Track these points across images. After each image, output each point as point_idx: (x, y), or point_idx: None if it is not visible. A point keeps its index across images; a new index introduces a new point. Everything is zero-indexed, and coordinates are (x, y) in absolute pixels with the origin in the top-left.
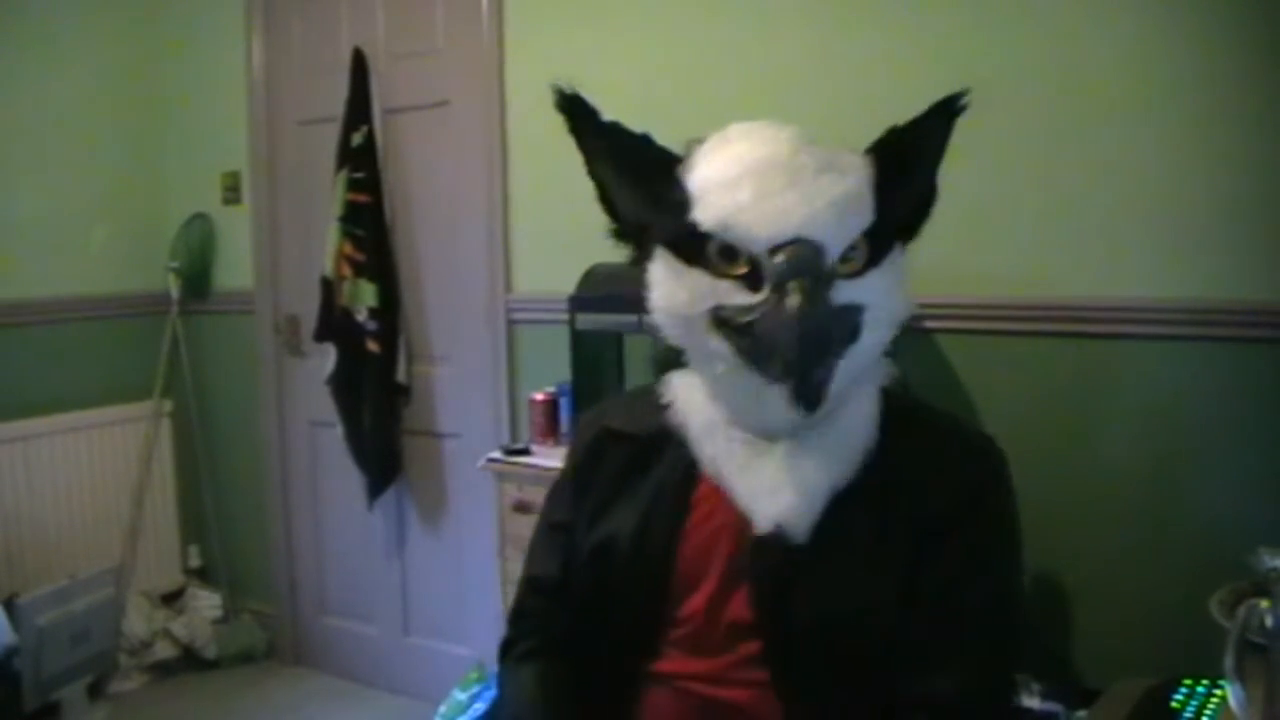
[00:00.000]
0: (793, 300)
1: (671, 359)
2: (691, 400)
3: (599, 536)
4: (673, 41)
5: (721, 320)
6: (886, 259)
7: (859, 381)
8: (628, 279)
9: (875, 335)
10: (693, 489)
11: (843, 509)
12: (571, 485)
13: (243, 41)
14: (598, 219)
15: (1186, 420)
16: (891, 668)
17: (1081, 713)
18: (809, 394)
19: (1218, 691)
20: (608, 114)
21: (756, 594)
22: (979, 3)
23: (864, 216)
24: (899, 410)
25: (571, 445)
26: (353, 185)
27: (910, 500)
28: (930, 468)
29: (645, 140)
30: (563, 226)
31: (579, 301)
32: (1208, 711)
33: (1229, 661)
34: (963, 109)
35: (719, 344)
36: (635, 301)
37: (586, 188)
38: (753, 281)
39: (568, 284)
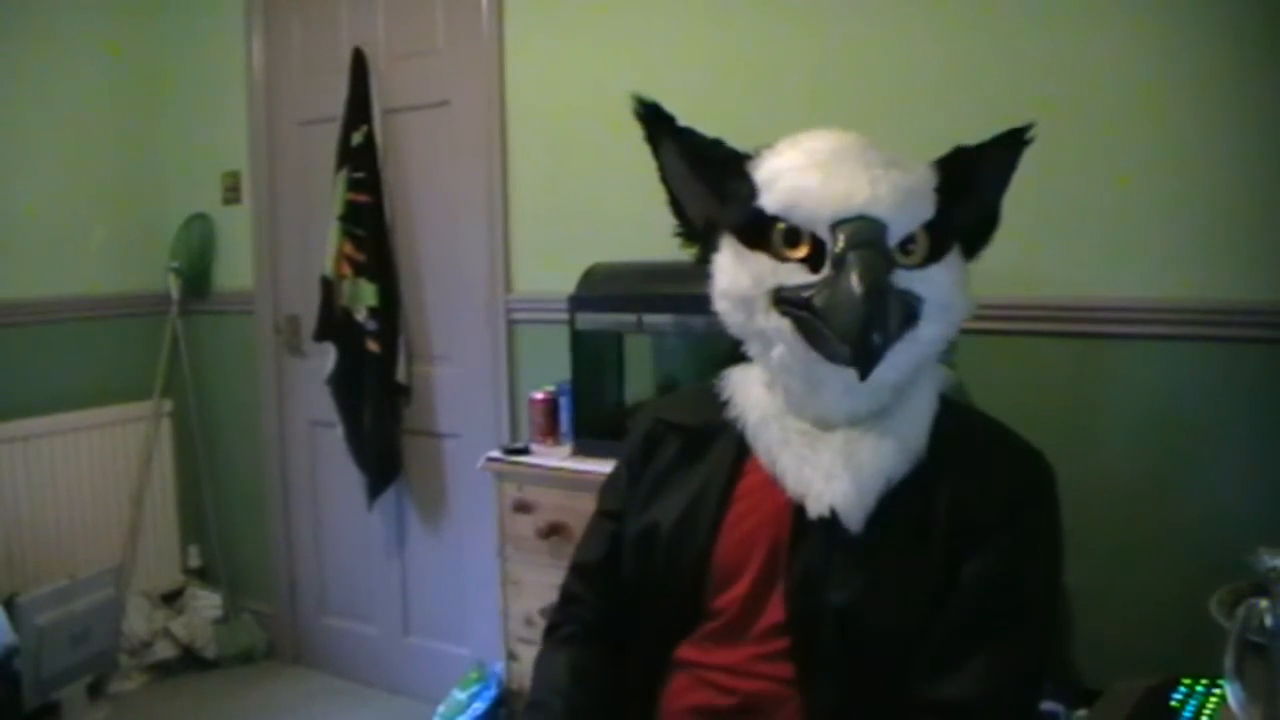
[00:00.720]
0: (853, 268)
1: (732, 356)
2: (749, 392)
3: (643, 524)
4: (673, 41)
5: (782, 299)
6: (947, 257)
7: (916, 379)
8: (627, 279)
9: (932, 328)
10: (737, 483)
11: (886, 508)
12: (625, 474)
13: (243, 41)
14: (598, 219)
15: (1186, 420)
16: (912, 669)
17: (1081, 713)
18: (866, 356)
19: (1217, 691)
20: (603, 122)
21: (790, 587)
22: (982, 4)
23: (925, 209)
24: (952, 415)
25: (628, 436)
26: (353, 185)
27: (952, 505)
28: (974, 474)
29: (717, 142)
30: (563, 226)
31: (579, 301)
32: (1208, 711)
33: (1229, 661)
34: (1029, 141)
35: (779, 322)
36: (635, 301)
37: (587, 188)
38: (814, 262)
39: (568, 284)
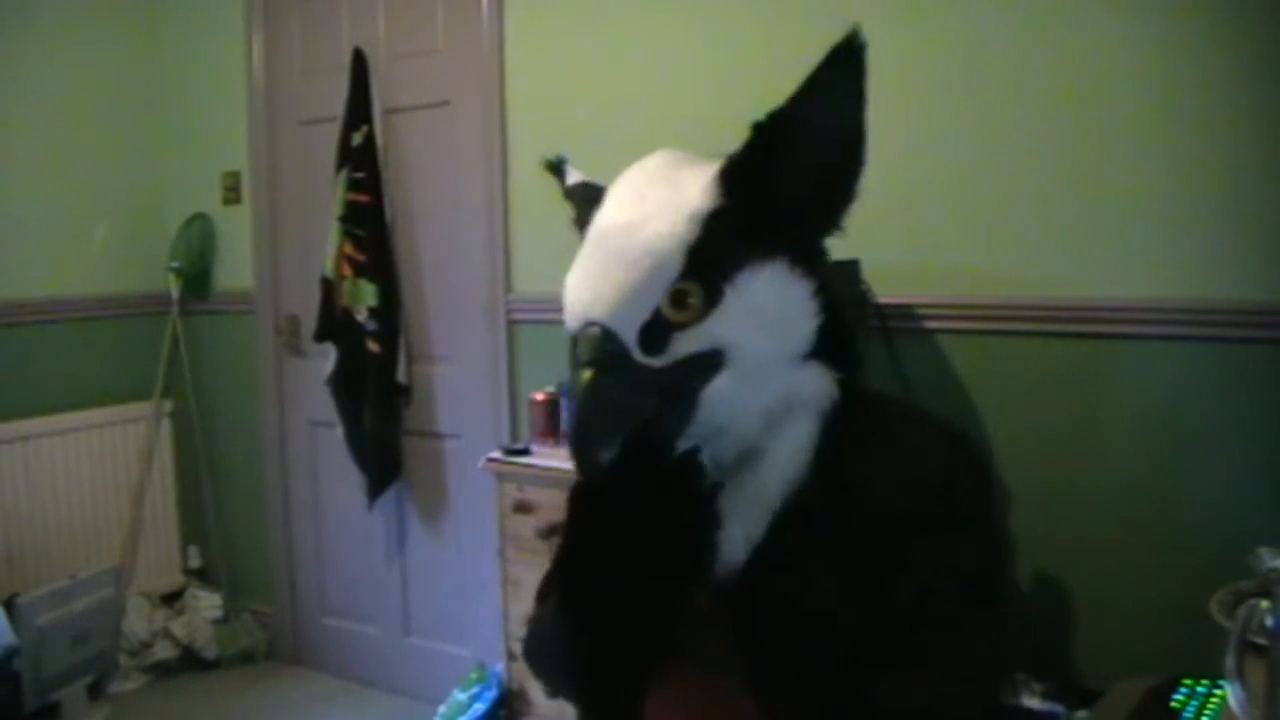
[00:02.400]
0: (576, 388)
1: None
2: None
3: None
4: (672, 41)
5: None
6: (737, 290)
7: (786, 412)
8: None
9: (743, 365)
10: None
11: (800, 519)
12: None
13: (243, 41)
14: None
15: (1187, 420)
16: (860, 677)
17: (1082, 713)
18: (588, 473)
19: (1218, 691)
20: (603, 122)
21: (725, 609)
22: (988, 5)
23: (666, 275)
24: (865, 410)
25: None
26: (353, 185)
27: (875, 501)
28: (894, 466)
29: (589, 199)
30: (563, 226)
31: None
32: (1208, 711)
33: (1229, 661)
34: (856, 53)
35: None
36: None
37: None
38: None
39: None
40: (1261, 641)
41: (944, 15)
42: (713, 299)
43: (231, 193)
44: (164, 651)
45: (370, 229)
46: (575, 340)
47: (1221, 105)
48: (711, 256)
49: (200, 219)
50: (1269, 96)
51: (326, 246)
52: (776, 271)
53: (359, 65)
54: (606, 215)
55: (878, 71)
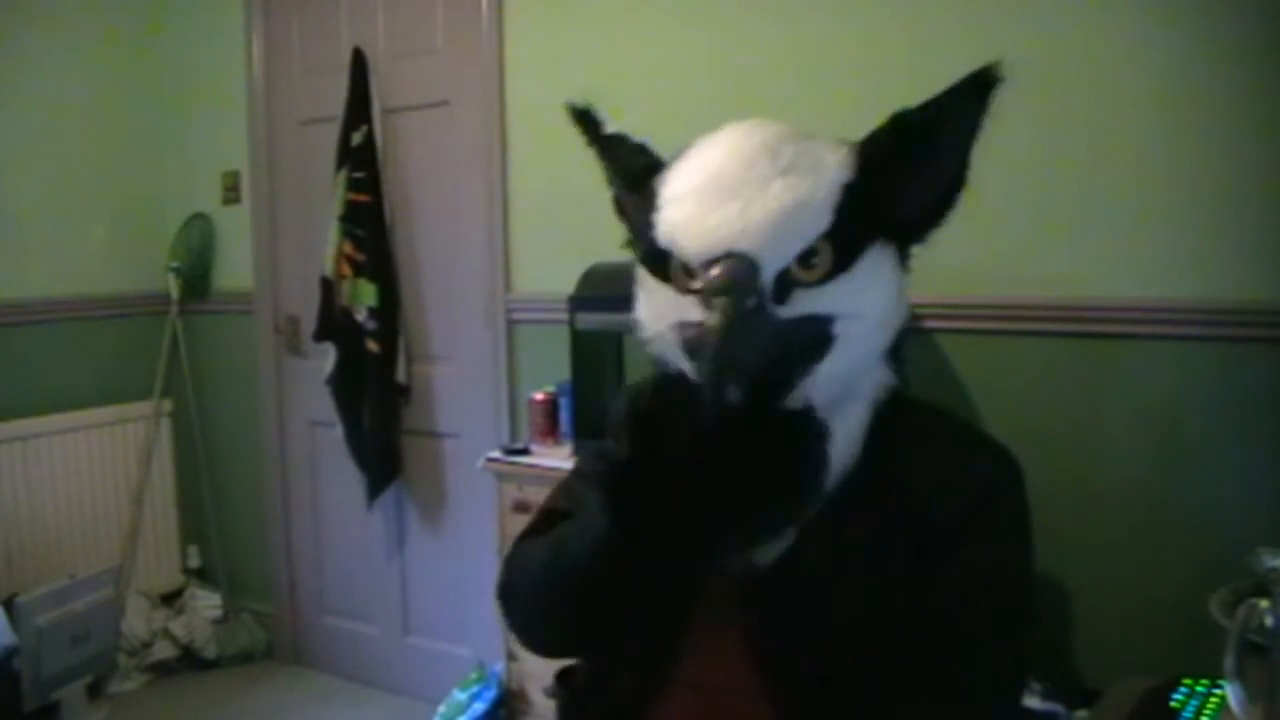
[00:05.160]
0: (711, 320)
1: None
2: None
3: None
4: (673, 40)
5: (684, 336)
6: (859, 263)
7: (848, 395)
8: (627, 279)
9: (854, 346)
10: None
11: (839, 517)
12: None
13: (242, 41)
14: (598, 219)
15: (1187, 420)
16: (884, 686)
17: (1081, 713)
18: (718, 410)
19: (1218, 691)
20: (610, 115)
21: (745, 605)
22: (989, 1)
23: (816, 224)
24: (910, 414)
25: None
26: (353, 185)
27: (913, 507)
28: (936, 473)
29: (637, 150)
30: (563, 226)
31: (579, 301)
32: (1208, 711)
33: (1229, 661)
34: (994, 83)
35: (685, 362)
36: (635, 301)
37: (586, 188)
38: None
39: (568, 284)
40: (1261, 641)
41: (947, 12)
42: (842, 265)
43: (231, 193)
44: (163, 651)
45: (370, 229)
46: (703, 269)
47: (1222, 104)
48: (850, 227)
49: (200, 219)
50: (1270, 96)
51: (326, 246)
52: (890, 262)
53: (358, 65)
54: (724, 162)
55: (884, 64)
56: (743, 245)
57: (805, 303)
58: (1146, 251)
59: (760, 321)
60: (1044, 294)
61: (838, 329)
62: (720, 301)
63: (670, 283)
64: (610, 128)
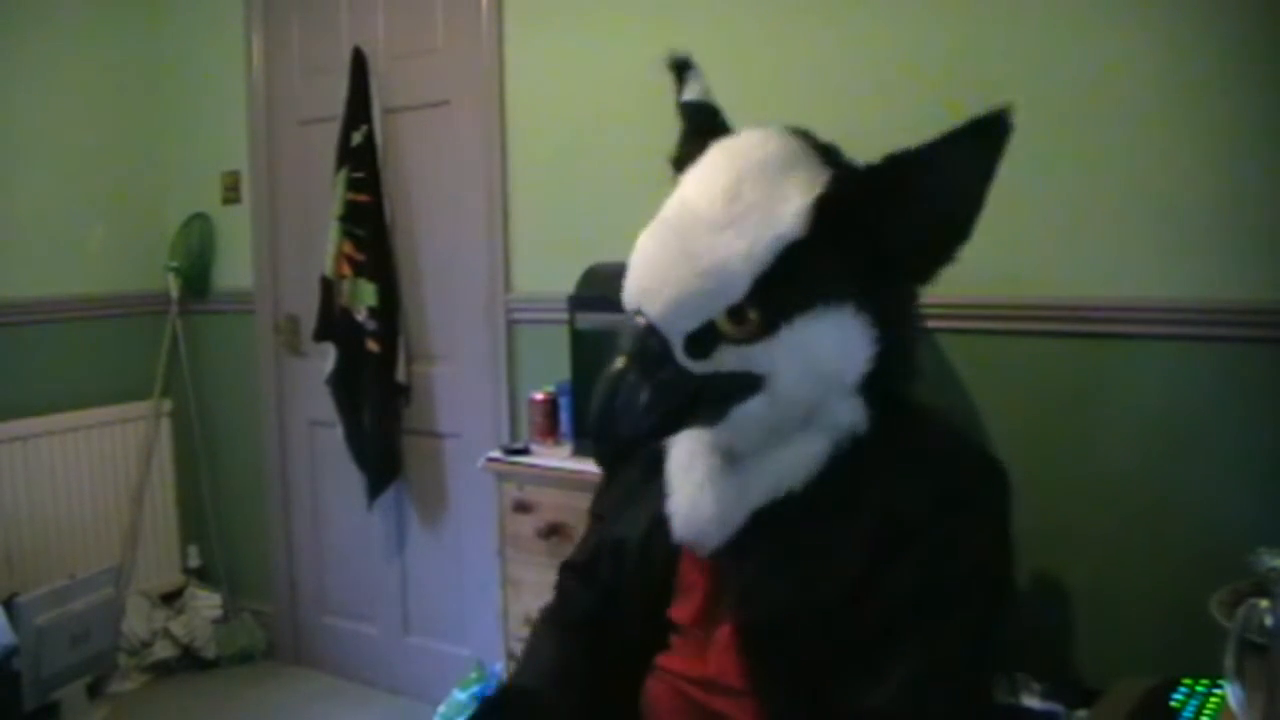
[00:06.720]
0: (610, 369)
1: None
2: None
3: (614, 535)
4: (673, 41)
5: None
6: (794, 324)
7: (806, 422)
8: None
9: (780, 398)
10: None
11: (797, 521)
12: (605, 479)
13: (243, 41)
14: (598, 219)
15: (1187, 420)
16: (844, 677)
17: (1081, 713)
18: (600, 454)
19: (1218, 691)
20: (603, 122)
21: (731, 602)
22: (985, 3)
23: (730, 293)
24: (896, 428)
25: None
26: (353, 185)
27: (879, 510)
28: (909, 479)
29: (690, 135)
30: (563, 226)
31: (579, 301)
32: (1208, 711)
33: (1229, 661)
34: (997, 131)
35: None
36: None
37: (587, 188)
38: None
39: (568, 284)
40: (1261, 641)
41: (943, 15)
42: (768, 329)
43: (231, 192)
44: (163, 651)
45: (370, 228)
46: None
47: (1222, 103)
48: (780, 291)
49: (200, 219)
50: (1270, 95)
51: (326, 246)
52: (839, 318)
53: (358, 65)
54: (694, 194)
55: (880, 69)
56: (653, 310)
57: (730, 359)
58: (1146, 251)
59: (658, 380)
60: (1044, 294)
61: (763, 383)
62: (624, 355)
63: None
64: (693, 93)
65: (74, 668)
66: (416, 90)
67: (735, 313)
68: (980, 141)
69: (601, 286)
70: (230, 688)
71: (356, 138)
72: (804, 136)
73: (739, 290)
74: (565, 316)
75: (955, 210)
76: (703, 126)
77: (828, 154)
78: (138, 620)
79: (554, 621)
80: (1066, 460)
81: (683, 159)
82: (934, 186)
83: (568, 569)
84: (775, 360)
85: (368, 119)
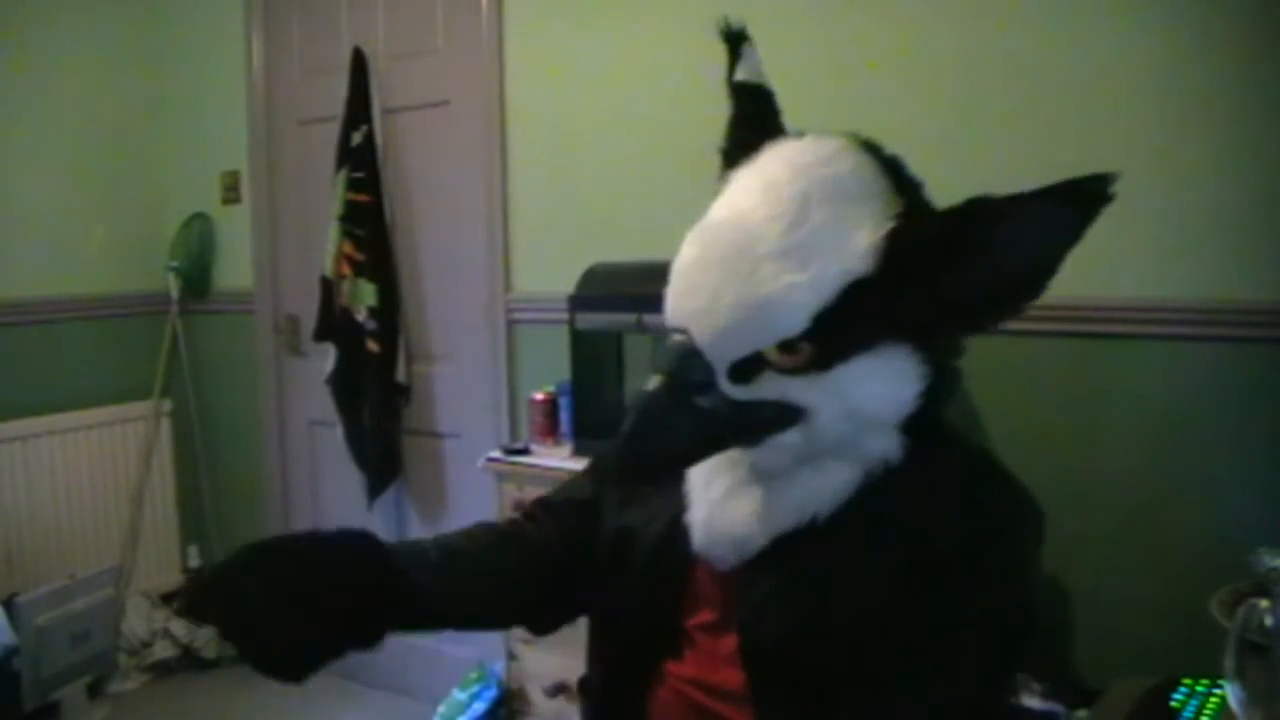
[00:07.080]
0: (646, 387)
1: None
2: None
3: (619, 524)
4: (673, 41)
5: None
6: (849, 364)
7: (831, 454)
8: (627, 279)
9: (819, 433)
10: None
11: (831, 540)
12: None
13: (243, 41)
14: (598, 219)
15: (1187, 420)
16: (855, 703)
17: (1081, 713)
18: (625, 473)
19: (1218, 691)
20: (603, 122)
21: (741, 618)
22: (984, 3)
23: (787, 326)
24: (929, 455)
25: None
26: (353, 185)
27: (909, 537)
28: (942, 509)
29: (741, 121)
30: (563, 226)
31: (579, 301)
32: (1208, 711)
33: (1229, 661)
34: (1097, 200)
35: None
36: (635, 301)
37: (587, 188)
38: None
39: (568, 284)
40: (1261, 641)
41: (942, 14)
42: (821, 366)
43: (231, 192)
44: (164, 651)
45: (370, 229)
46: (669, 331)
47: (1221, 103)
48: (838, 330)
49: (200, 219)
50: (1270, 95)
51: (326, 246)
52: (892, 360)
53: (358, 65)
54: (751, 207)
55: (878, 71)
56: (701, 334)
57: (770, 387)
58: (1145, 251)
59: (694, 407)
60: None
61: (803, 415)
62: (661, 373)
63: None
64: (746, 73)
65: (74, 668)
66: (416, 90)
67: (788, 345)
68: (1073, 205)
69: (601, 286)
70: (230, 688)
71: (356, 138)
72: (874, 151)
73: (797, 325)
74: (565, 316)
75: (1030, 270)
76: (755, 114)
77: (898, 174)
78: (138, 620)
79: (487, 525)
80: (1066, 460)
81: (733, 152)
82: (1014, 242)
83: (542, 501)
84: (819, 395)
85: (368, 119)
